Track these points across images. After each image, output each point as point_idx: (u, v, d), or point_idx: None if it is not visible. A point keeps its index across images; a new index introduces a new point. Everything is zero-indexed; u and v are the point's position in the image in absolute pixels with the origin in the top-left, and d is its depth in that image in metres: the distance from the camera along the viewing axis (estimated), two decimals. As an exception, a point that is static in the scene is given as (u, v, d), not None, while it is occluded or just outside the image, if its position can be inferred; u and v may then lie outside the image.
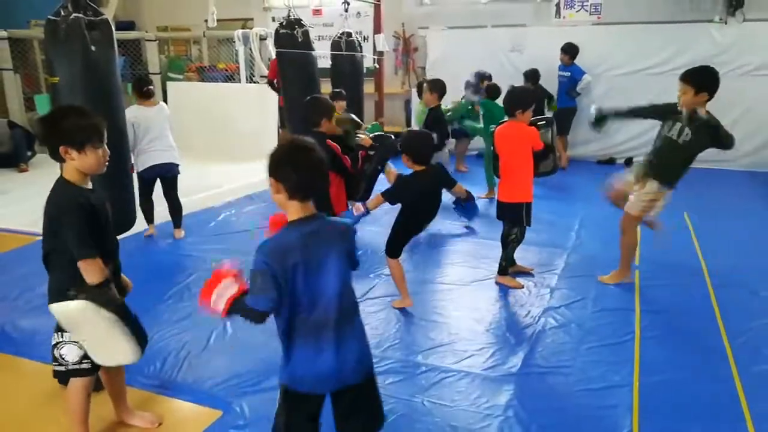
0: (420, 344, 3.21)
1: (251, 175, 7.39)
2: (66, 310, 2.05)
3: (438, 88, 5.34)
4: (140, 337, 2.20)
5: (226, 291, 1.78)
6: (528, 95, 4.09)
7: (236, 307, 1.78)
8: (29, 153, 7.96)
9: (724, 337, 3.27)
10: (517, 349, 3.16)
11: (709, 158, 7.37)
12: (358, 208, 3.95)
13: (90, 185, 2.18)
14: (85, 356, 2.18)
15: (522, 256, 4.35)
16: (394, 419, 2.49)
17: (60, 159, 2.08)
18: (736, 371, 2.92)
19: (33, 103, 8.75)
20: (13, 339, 3.25)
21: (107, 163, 2.16)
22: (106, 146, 2.14)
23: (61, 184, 2.12)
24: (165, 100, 9.28)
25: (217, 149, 8.57)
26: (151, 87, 4.85)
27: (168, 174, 4.87)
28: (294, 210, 1.76)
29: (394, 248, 3.66)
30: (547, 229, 5.11)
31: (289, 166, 1.72)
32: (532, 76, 7.48)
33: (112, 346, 2.13)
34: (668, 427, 2.51)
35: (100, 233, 2.10)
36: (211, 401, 2.69)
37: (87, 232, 2.04)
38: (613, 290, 3.91)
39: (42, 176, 7.48)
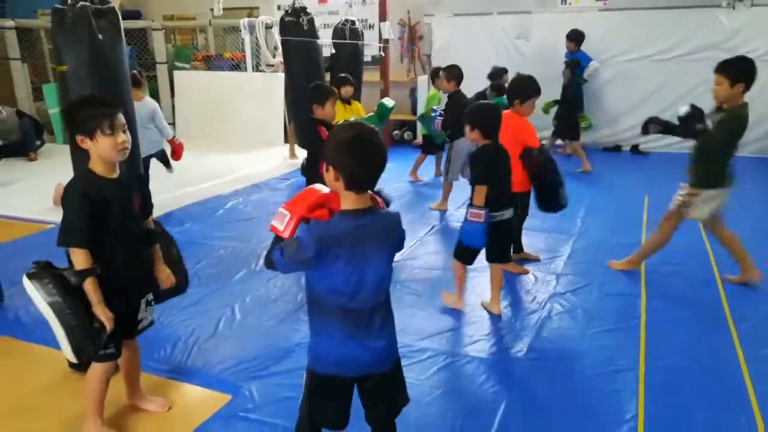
0: (427, 329, 3.24)
1: (258, 163, 7.44)
2: (24, 282, 2.14)
3: (455, 75, 5.36)
4: (81, 343, 2.16)
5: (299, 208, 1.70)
6: (527, 84, 3.86)
7: (276, 242, 1.73)
8: (38, 142, 8.01)
9: (730, 322, 3.28)
10: (524, 334, 3.19)
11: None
12: (476, 215, 3.11)
13: (116, 174, 2.20)
14: (109, 341, 2.20)
15: (528, 242, 4.36)
16: (402, 402, 2.51)
17: (78, 147, 2.15)
18: (743, 356, 2.93)
19: (41, 93, 8.79)
20: (25, 325, 3.29)
21: (125, 150, 2.16)
22: (123, 133, 2.15)
23: (81, 172, 2.20)
24: (172, 89, 9.34)
25: (224, 138, 8.61)
26: (140, 78, 5.06)
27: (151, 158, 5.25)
28: (350, 200, 1.69)
29: (501, 247, 3.44)
30: (552, 216, 5.08)
31: (350, 157, 1.64)
32: (496, 88, 6.19)
33: (57, 333, 2.16)
34: (673, 412, 2.53)
35: (112, 225, 2.14)
36: (220, 385, 2.73)
37: (78, 222, 2.07)
38: (619, 276, 3.92)
39: (51, 165, 7.62)
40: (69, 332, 2.13)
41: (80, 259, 2.09)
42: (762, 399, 2.58)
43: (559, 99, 7.21)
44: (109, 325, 2.13)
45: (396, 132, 9.09)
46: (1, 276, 3.65)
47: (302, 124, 6.24)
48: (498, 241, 3.35)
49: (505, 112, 3.89)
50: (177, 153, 5.45)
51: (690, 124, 3.56)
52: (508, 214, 3.31)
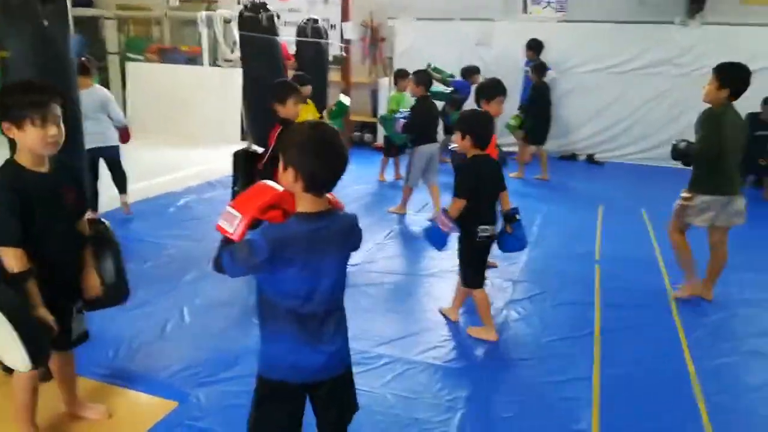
0: (383, 335, 3.18)
1: (213, 160, 7.25)
2: None
3: (423, 80, 5.35)
4: (33, 347, 1.94)
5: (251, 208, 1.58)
6: (494, 84, 3.78)
7: (224, 244, 1.62)
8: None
9: (680, 331, 3.34)
10: (480, 341, 3.16)
11: (663, 156, 7.63)
12: (444, 223, 3.00)
13: (45, 168, 2.03)
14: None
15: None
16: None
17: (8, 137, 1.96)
18: (693, 367, 2.97)
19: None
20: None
21: (56, 144, 1.98)
22: (57, 126, 1.97)
23: (5, 164, 2.00)
24: (124, 81, 9.03)
25: (178, 133, 8.37)
26: (88, 65, 4.76)
27: (106, 155, 4.86)
28: (307, 202, 1.61)
29: (476, 273, 3.19)
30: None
31: (313, 157, 1.56)
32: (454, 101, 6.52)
33: (3, 345, 1.95)
34: (627, 421, 2.54)
35: (38, 223, 1.97)
36: (166, 392, 2.61)
37: (8, 218, 1.91)
38: (574, 285, 3.94)
39: (3, 153, 7.24)
40: (22, 337, 1.90)
41: (14, 259, 1.92)
42: (712, 410, 2.61)
43: (524, 112, 7.07)
44: (53, 327, 1.98)
45: (356, 134, 9.02)
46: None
47: (258, 122, 6.10)
48: (477, 263, 3.17)
49: None
50: (123, 137, 5.06)
51: (677, 151, 3.61)
52: (491, 230, 3.11)
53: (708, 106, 3.49)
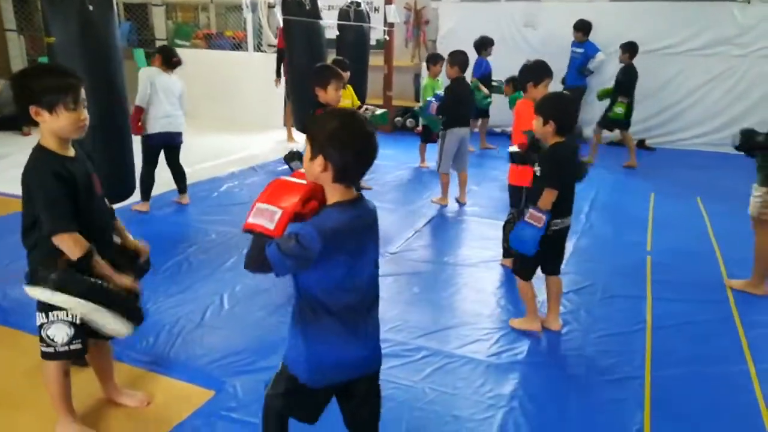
0: (422, 327, 3.10)
1: (256, 145, 7.28)
2: (36, 294, 1.95)
3: (458, 61, 5.07)
4: (130, 312, 2.05)
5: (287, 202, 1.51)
6: (538, 67, 3.64)
7: (260, 242, 1.55)
8: (32, 116, 7.81)
9: (739, 328, 3.15)
10: (523, 335, 3.05)
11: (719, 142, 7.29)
12: (538, 218, 2.77)
13: (72, 153, 2.02)
14: (75, 336, 2.06)
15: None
16: (394, 406, 2.37)
17: (32, 121, 1.93)
18: (754, 369, 2.79)
19: (37, 66, 8.59)
20: (3, 308, 3.15)
21: (84, 127, 1.99)
22: (84, 110, 1.97)
23: (36, 150, 1.98)
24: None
25: (222, 118, 8.45)
26: (180, 58, 4.84)
27: (173, 142, 4.86)
28: (339, 193, 1.56)
29: (524, 265, 3.03)
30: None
31: (346, 148, 1.50)
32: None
33: (98, 321, 2.01)
34: (681, 425, 2.39)
35: (81, 206, 1.97)
36: (203, 380, 2.59)
37: (62, 204, 1.91)
38: (624, 277, 3.77)
39: (43, 141, 7.43)
40: (114, 309, 1.98)
41: (74, 244, 1.93)
42: (774, 414, 2.45)
43: (627, 97, 6.66)
44: (135, 286, 2.06)
45: (398, 119, 8.91)
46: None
47: (301, 108, 6.06)
48: (556, 251, 3.03)
49: (519, 101, 3.73)
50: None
51: (752, 142, 3.34)
52: (568, 221, 2.96)
53: None
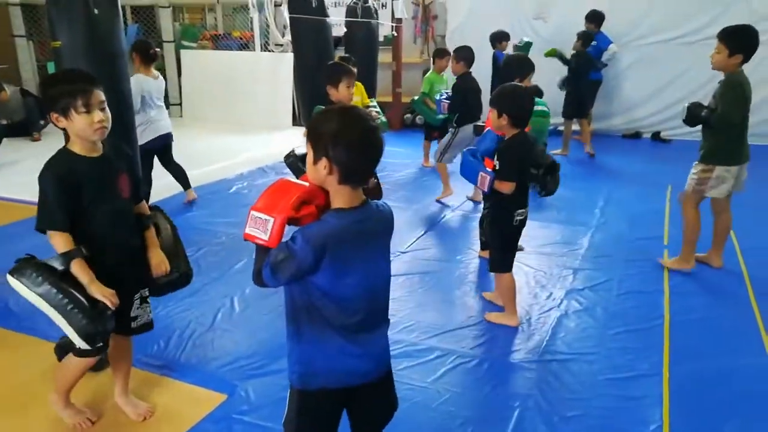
0: (435, 326, 3.05)
1: (265, 146, 7.26)
2: (9, 281, 1.99)
3: (464, 56, 5.03)
4: (88, 325, 1.95)
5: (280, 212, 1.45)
6: (522, 62, 3.87)
7: (260, 254, 1.52)
8: (42, 122, 7.84)
9: (760, 323, 3.07)
10: (538, 333, 2.99)
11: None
12: (484, 183, 2.86)
13: (97, 153, 2.08)
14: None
15: (543, 234, 4.17)
16: (407, 407, 2.32)
17: (42, 127, 1.98)
18: (775, 362, 2.72)
19: (46, 71, 8.63)
20: (15, 314, 3.14)
21: (103, 129, 2.02)
22: (101, 111, 2.00)
23: (58, 152, 2.07)
24: (179, 69, 9.15)
25: (231, 119, 8.45)
26: (157, 50, 4.78)
27: (165, 143, 4.87)
28: (344, 196, 1.47)
29: (510, 256, 3.04)
30: (569, 206, 4.89)
31: (352, 148, 1.42)
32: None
33: (56, 322, 1.99)
34: (702, 422, 2.33)
35: (88, 207, 2.01)
36: (215, 384, 2.57)
37: (54, 203, 1.95)
38: (641, 272, 3.70)
39: (54, 146, 7.42)
40: (68, 318, 1.95)
41: (60, 242, 1.97)
42: (798, 411, 2.38)
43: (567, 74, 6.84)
44: (112, 301, 1.99)
45: (407, 116, 8.85)
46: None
47: (309, 106, 6.03)
48: (511, 247, 3.03)
49: None
50: None
51: (695, 114, 3.50)
52: (525, 213, 2.98)
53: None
